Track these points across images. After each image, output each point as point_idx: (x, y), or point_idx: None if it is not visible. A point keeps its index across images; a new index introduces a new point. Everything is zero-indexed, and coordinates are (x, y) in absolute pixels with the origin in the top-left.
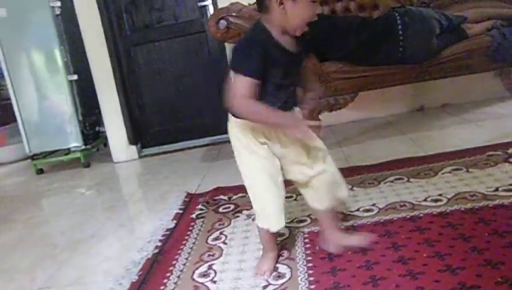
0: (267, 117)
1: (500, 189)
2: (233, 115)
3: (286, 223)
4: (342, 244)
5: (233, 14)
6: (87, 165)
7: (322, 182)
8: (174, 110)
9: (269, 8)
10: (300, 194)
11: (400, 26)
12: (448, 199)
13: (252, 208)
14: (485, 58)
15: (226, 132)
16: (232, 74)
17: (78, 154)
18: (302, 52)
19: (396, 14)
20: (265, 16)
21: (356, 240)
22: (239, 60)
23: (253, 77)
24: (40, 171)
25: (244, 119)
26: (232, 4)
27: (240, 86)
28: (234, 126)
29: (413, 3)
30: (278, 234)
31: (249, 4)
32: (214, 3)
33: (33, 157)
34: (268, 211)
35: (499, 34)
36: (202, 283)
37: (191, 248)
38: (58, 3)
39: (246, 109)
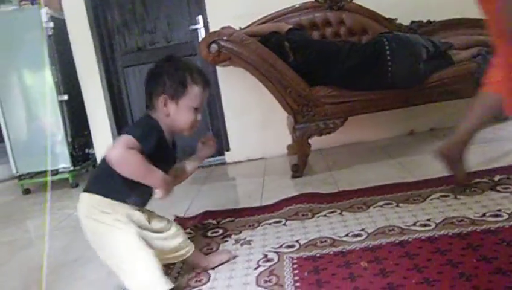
0: (144, 172)
1: (487, 214)
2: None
3: (275, 248)
4: (208, 268)
5: (225, 38)
6: (76, 186)
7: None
8: None
9: (156, 108)
10: (289, 219)
11: (388, 52)
12: (437, 224)
13: (240, 232)
14: (470, 84)
15: (216, 154)
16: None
17: (67, 175)
18: (175, 155)
19: (385, 40)
20: (154, 114)
21: (218, 259)
22: (137, 131)
23: (145, 147)
24: (27, 192)
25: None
26: (223, 28)
27: (123, 141)
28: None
29: (401, 29)
30: None
31: (240, 28)
32: (206, 26)
33: (20, 177)
34: (160, 270)
35: (485, 61)
36: None
37: (178, 273)
38: (51, 24)
39: (126, 158)
